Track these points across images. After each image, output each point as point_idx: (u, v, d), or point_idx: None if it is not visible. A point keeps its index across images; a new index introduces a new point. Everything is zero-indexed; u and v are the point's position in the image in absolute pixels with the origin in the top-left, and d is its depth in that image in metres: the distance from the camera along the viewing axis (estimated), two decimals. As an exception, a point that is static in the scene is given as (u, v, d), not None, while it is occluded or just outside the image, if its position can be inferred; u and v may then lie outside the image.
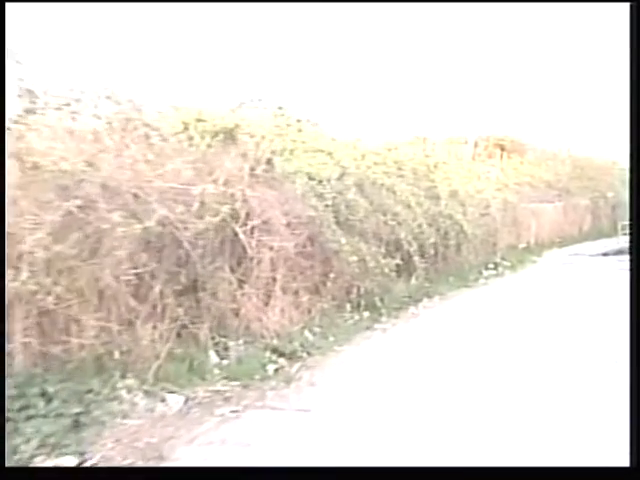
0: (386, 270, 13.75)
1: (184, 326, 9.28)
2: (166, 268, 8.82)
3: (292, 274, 11.61)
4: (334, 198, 13.10)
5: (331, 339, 11.58)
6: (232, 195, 9.89)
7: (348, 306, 13.38)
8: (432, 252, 17.70)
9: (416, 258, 15.46)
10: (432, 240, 17.12)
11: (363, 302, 13.63)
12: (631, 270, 6.09)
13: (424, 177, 19.08)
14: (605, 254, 30.20)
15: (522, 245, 29.38)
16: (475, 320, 14.31)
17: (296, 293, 11.72)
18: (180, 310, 9.09)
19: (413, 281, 15.80)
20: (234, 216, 9.77)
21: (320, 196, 12.76)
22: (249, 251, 10.14)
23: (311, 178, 13.18)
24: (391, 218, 14.98)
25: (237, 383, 8.74)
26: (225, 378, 8.82)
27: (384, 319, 13.71)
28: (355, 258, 12.92)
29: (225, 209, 9.03)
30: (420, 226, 16.20)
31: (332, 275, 12.70)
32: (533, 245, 30.82)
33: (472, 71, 58.79)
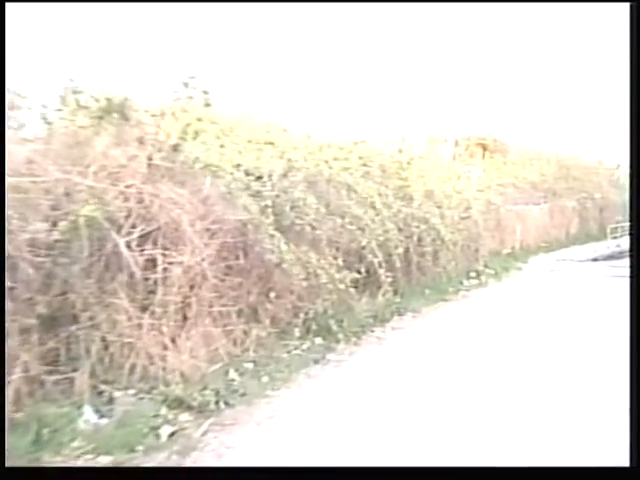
0: (342, 286, 11.17)
1: (51, 372, 6.67)
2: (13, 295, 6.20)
3: (215, 295, 9.05)
4: (276, 197, 10.54)
5: (264, 379, 9.00)
6: (122, 193, 7.27)
7: (296, 332, 10.83)
8: (403, 261, 15.24)
9: (382, 270, 12.85)
10: (403, 247, 14.62)
11: (315, 326, 11.11)
12: (631, 270, 5.89)
13: (395, 175, 16.54)
14: (595, 259, 28.46)
15: (506, 250, 26.90)
16: (452, 344, 11.96)
17: (221, 320, 9.15)
18: (41, 351, 6.46)
19: (380, 297, 13.22)
20: (114, 221, 7.13)
21: (257, 195, 10.18)
22: (135, 268, 7.47)
23: (248, 173, 10.61)
24: (350, 222, 12.39)
25: (107, 460, 6.05)
26: (91, 452, 6.09)
27: (340, 347, 11.17)
28: (302, 272, 10.33)
29: (88, 210, 6.37)
30: (387, 231, 13.64)
31: (273, 294, 10.15)
32: (518, 250, 28.33)
33: (454, 70, 57.01)
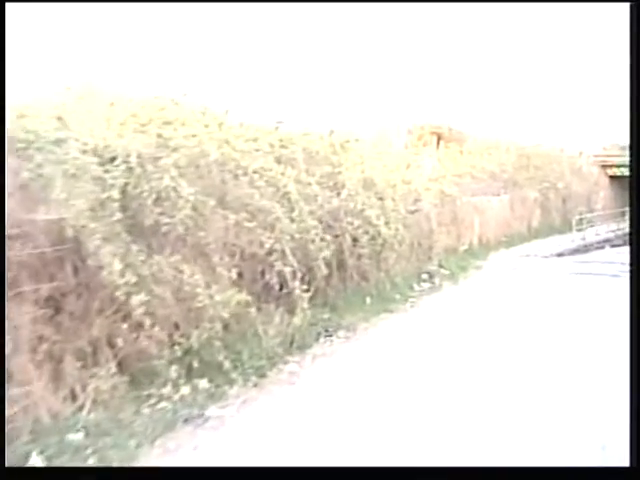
0: (231, 307, 8.06)
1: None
2: None
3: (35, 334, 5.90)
4: (131, 187, 7.42)
5: (90, 462, 5.86)
6: None
7: (170, 373, 7.69)
8: (337, 266, 12.31)
9: (296, 282, 9.77)
10: (333, 248, 11.62)
11: (197, 363, 7.99)
12: (631, 270, 5.67)
13: (324, 160, 13.45)
14: (560, 254, 26.27)
15: (464, 247, 24.08)
16: (393, 377, 9.11)
17: (47, 366, 6.02)
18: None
19: (297, 317, 10.09)
20: None
21: (98, 183, 7.02)
22: None
23: (97, 154, 7.47)
24: (251, 218, 9.28)
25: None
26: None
27: (233, 392, 8.15)
28: (170, 292, 7.22)
29: None
30: (308, 230, 10.54)
31: (123, 325, 6.99)
32: (477, 246, 25.53)
33: (409, 58, 54.62)
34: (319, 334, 11.07)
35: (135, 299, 7.02)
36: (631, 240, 5.81)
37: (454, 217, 23.35)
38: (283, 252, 9.55)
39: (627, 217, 37.57)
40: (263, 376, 8.79)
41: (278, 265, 9.33)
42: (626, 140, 45.98)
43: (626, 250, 28.91)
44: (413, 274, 17.29)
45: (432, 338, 11.60)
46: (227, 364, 8.19)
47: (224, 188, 9.22)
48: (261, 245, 9.20)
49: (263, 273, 9.60)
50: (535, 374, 9.32)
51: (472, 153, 32.95)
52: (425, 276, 17.74)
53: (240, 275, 9.05)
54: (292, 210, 10.40)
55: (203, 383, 8.01)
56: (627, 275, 18.66)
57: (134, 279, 6.93)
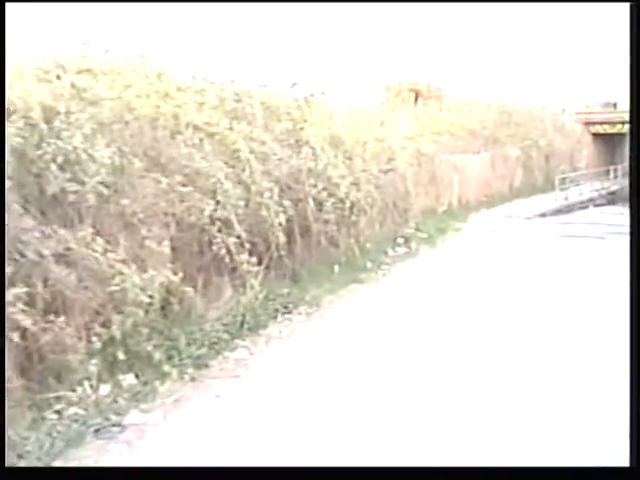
0: (158, 287, 6.72)
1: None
2: None
3: None
4: (23, 147, 6.04)
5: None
6: None
7: (89, 369, 6.39)
8: (301, 232, 11.04)
9: (243, 254, 8.43)
10: (291, 213, 10.31)
11: (123, 355, 6.69)
12: (631, 268, 4.77)
13: (285, 116, 12.07)
14: (543, 215, 25.23)
15: (442, 208, 22.85)
16: (361, 361, 7.95)
17: None
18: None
19: (246, 294, 8.78)
20: None
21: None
22: None
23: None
24: (187, 182, 7.91)
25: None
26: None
27: (164, 389, 6.85)
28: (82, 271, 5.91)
29: None
30: (260, 193, 9.17)
31: (21, 316, 5.66)
32: (456, 207, 24.29)
33: (388, 15, 53.19)
34: (277, 311, 9.83)
35: (35, 283, 5.72)
36: (631, 240, 4.94)
37: (432, 177, 22.10)
38: (227, 220, 8.20)
39: (611, 176, 36.60)
40: (204, 367, 7.50)
41: (220, 236, 7.98)
42: (608, 98, 45.07)
43: (610, 210, 28.24)
44: (388, 238, 16.08)
45: (404, 312, 10.38)
46: (158, 355, 6.90)
47: (158, 147, 7.84)
48: (201, 213, 7.84)
49: (206, 245, 8.26)
50: (518, 352, 8.17)
51: (451, 110, 31.62)
52: (400, 240, 16.51)
53: (175, 249, 7.74)
54: (243, 171, 9.04)
55: (129, 379, 6.75)
56: (612, 237, 17.78)
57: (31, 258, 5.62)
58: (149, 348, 6.82)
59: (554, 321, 9.70)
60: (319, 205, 11.44)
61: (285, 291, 10.40)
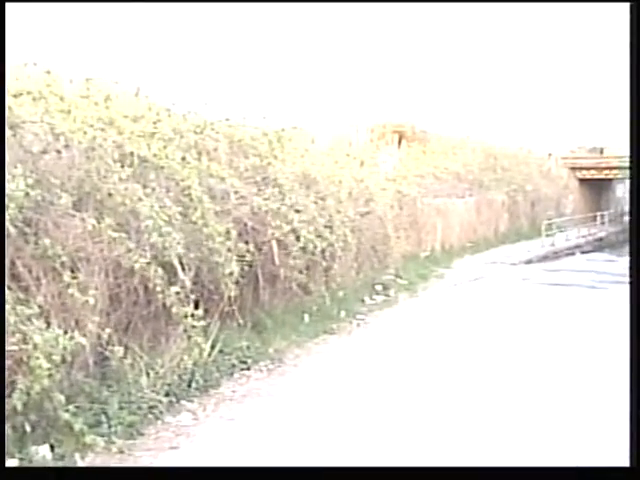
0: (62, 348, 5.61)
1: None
2: None
3: None
4: None
5: None
6: None
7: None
8: (259, 278, 10.06)
9: (188, 307, 7.29)
10: (250, 258, 9.32)
11: (31, 425, 5.61)
12: (631, 271, 5.31)
13: (251, 151, 11.10)
14: (529, 261, 24.70)
15: (425, 253, 22.05)
16: (316, 432, 6.83)
17: None
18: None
19: (194, 350, 7.71)
20: None
21: None
22: None
23: None
24: (119, 224, 6.85)
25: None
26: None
27: (84, 465, 5.73)
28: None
29: None
30: (211, 237, 8.11)
31: None
32: (439, 252, 23.47)
33: (374, 57, 53.19)
34: (233, 367, 8.79)
35: None
36: (631, 241, 5.58)
37: (414, 220, 21.23)
38: (170, 266, 7.15)
39: (598, 222, 35.98)
40: (137, 435, 6.41)
41: (162, 285, 6.92)
42: (594, 143, 44.69)
43: (598, 257, 27.49)
44: (365, 285, 15.21)
45: (377, 370, 9.34)
46: (80, 422, 5.80)
47: (91, 181, 6.82)
48: (140, 257, 6.79)
49: (152, 294, 7.21)
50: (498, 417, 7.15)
51: (436, 153, 31.10)
52: (379, 287, 15.65)
53: (113, 298, 6.71)
54: (195, 210, 8.02)
55: (42, 451, 5.66)
56: (603, 286, 16.88)
57: None
58: (67, 415, 5.72)
59: (531, 379, 8.74)
60: (286, 249, 10.43)
61: (244, 344, 9.36)
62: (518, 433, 6.85)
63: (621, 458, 4.67)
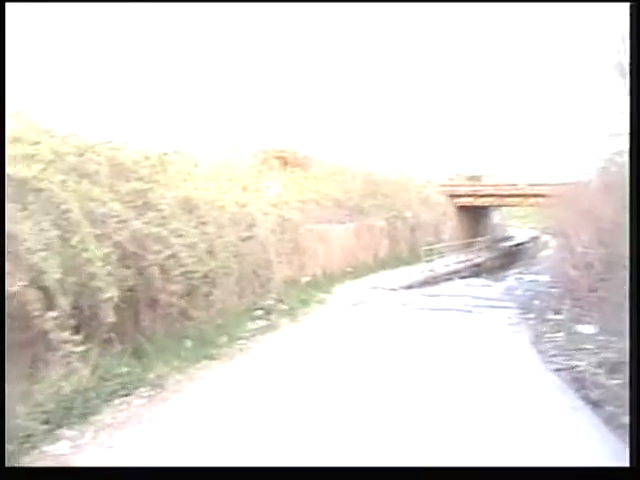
0: None
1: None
2: None
3: None
4: None
5: None
6: None
7: None
8: (140, 304, 9.97)
9: (64, 332, 7.19)
10: (130, 283, 9.21)
11: None
12: (631, 271, 5.62)
13: (133, 175, 11.00)
14: (409, 287, 24.88)
15: (306, 278, 22.03)
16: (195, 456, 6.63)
17: None
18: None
19: (72, 377, 7.55)
20: None
21: None
22: None
23: None
24: None
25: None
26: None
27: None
28: None
29: None
30: (91, 261, 7.98)
31: None
32: (320, 277, 23.54)
33: (254, 81, 53.41)
34: (114, 393, 8.63)
35: None
36: (631, 241, 5.78)
37: (296, 246, 21.27)
38: (48, 291, 7.01)
39: (475, 248, 37.05)
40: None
41: (39, 310, 6.77)
42: (472, 170, 46.12)
43: (475, 282, 28.29)
44: (246, 310, 15.20)
45: (257, 396, 9.35)
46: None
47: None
48: (15, 282, 6.63)
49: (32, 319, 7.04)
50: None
51: (317, 178, 31.37)
52: (260, 312, 15.66)
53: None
54: (74, 234, 7.88)
55: None
56: (479, 310, 17.41)
57: None
58: None
59: (414, 409, 8.95)
60: (167, 274, 10.36)
61: (125, 370, 9.23)
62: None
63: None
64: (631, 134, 5.45)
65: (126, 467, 5.67)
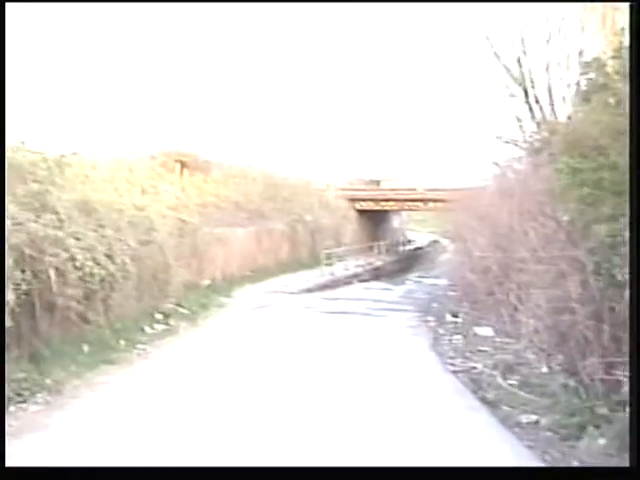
0: None
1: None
2: None
3: None
4: None
5: None
6: None
7: None
8: (36, 307, 9.78)
9: None
10: (25, 287, 9.02)
11: None
12: (631, 271, 5.52)
13: (30, 177, 10.80)
14: (309, 290, 25.32)
15: (206, 282, 21.99)
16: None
17: None
18: None
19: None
20: None
21: None
22: None
23: None
24: None
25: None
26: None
27: None
28: None
29: None
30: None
31: None
32: (220, 281, 23.50)
33: (158, 85, 52.79)
34: (9, 400, 8.42)
35: None
36: (631, 240, 5.67)
37: (195, 249, 21.16)
38: None
39: (375, 251, 37.61)
40: None
41: None
42: (371, 175, 46.78)
43: (375, 285, 28.71)
44: (145, 314, 15.04)
45: (155, 402, 9.25)
46: None
47: None
48: None
49: None
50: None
51: (217, 182, 31.35)
52: (159, 316, 15.56)
53: None
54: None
55: None
56: (377, 313, 17.72)
57: None
58: None
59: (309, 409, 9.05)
60: (64, 277, 10.19)
61: (21, 375, 9.05)
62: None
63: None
64: (631, 134, 5.53)
65: (126, 467, 5.90)
